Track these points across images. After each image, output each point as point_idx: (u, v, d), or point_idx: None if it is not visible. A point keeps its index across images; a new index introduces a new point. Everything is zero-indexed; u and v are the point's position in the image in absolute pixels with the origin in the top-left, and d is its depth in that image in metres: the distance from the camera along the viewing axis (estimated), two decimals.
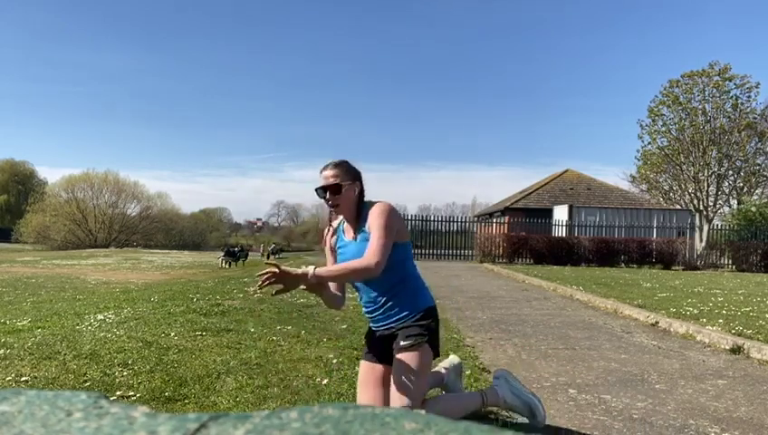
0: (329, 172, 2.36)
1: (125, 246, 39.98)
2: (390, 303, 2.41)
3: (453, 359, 3.14)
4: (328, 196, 2.34)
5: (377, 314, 2.46)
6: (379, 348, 2.50)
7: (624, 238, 20.56)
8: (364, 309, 2.54)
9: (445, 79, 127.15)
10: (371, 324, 2.55)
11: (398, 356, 2.35)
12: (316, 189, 2.38)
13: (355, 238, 2.40)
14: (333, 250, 2.54)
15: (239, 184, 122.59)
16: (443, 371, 2.95)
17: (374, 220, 2.29)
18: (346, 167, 2.40)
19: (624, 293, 9.05)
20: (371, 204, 2.38)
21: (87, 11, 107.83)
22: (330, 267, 2.30)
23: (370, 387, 2.48)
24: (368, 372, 2.52)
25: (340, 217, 2.51)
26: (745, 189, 28.13)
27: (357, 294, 2.56)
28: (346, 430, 0.37)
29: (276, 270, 2.15)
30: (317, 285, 2.26)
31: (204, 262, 20.56)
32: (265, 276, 2.16)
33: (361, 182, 2.42)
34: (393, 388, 2.33)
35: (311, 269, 2.19)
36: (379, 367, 2.49)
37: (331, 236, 2.55)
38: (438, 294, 7.77)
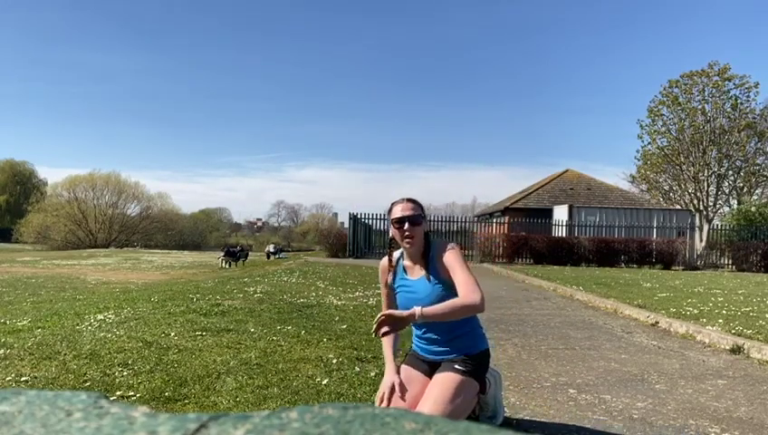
0: (408, 204, 2.41)
1: (125, 247, 39.94)
2: (451, 343, 2.43)
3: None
4: (407, 227, 2.36)
5: (433, 347, 2.47)
6: (426, 362, 2.51)
7: (624, 238, 20.55)
8: (419, 341, 2.54)
9: (445, 79, 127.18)
10: (422, 352, 2.54)
11: (447, 373, 2.35)
12: (393, 220, 2.41)
13: (427, 278, 2.41)
14: (390, 287, 2.56)
15: (239, 184, 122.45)
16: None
17: (452, 260, 2.33)
18: (419, 203, 2.47)
19: (624, 293, 9.05)
20: (437, 241, 2.45)
21: (87, 11, 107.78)
22: (435, 307, 2.24)
23: (411, 388, 2.42)
24: (408, 375, 2.47)
25: (396, 253, 2.56)
26: (745, 189, 28.13)
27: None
28: (346, 430, 0.37)
29: (385, 317, 2.19)
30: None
31: (204, 262, 20.56)
32: (379, 323, 2.19)
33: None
34: (429, 402, 2.28)
35: (417, 310, 2.20)
36: (420, 375, 2.47)
37: (388, 273, 2.56)
38: None
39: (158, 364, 3.72)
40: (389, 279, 2.55)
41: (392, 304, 2.58)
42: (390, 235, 2.49)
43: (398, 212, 2.39)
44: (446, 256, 2.35)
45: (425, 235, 2.45)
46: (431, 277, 2.40)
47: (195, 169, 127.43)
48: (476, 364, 2.43)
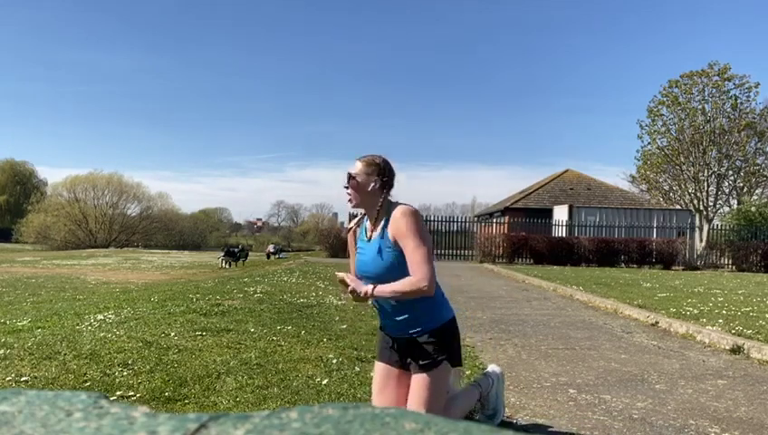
0: (356, 164, 2.38)
1: (125, 247, 39.94)
2: (406, 315, 2.32)
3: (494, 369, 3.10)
4: (344, 184, 2.36)
5: (391, 323, 2.41)
6: (395, 350, 2.46)
7: (624, 238, 20.56)
8: (380, 315, 2.50)
9: (445, 79, 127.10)
10: (385, 328, 2.50)
11: (415, 375, 2.35)
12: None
13: (371, 239, 2.37)
14: (355, 247, 2.53)
15: (239, 184, 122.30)
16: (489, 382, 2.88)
17: (402, 228, 2.24)
18: (375, 161, 2.38)
19: (624, 293, 9.05)
20: (395, 205, 2.34)
21: (87, 11, 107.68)
22: (382, 288, 2.25)
23: (388, 391, 2.43)
24: (384, 375, 2.47)
25: (358, 215, 2.53)
26: (745, 189, 28.11)
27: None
28: (346, 430, 0.37)
29: (347, 280, 2.26)
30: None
31: (204, 262, 20.55)
32: (343, 278, 2.29)
33: (386, 179, 2.37)
34: (410, 406, 2.31)
35: (369, 288, 2.23)
36: (395, 370, 2.45)
37: (354, 231, 2.54)
38: None
39: (158, 364, 3.72)
40: (356, 238, 2.53)
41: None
42: None
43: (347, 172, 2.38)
44: (397, 225, 2.26)
45: (381, 193, 2.36)
46: (376, 241, 2.34)
47: (195, 170, 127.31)
48: (438, 345, 2.33)
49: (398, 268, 2.26)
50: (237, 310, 6.05)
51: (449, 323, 2.38)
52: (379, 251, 2.31)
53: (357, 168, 2.36)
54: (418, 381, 2.33)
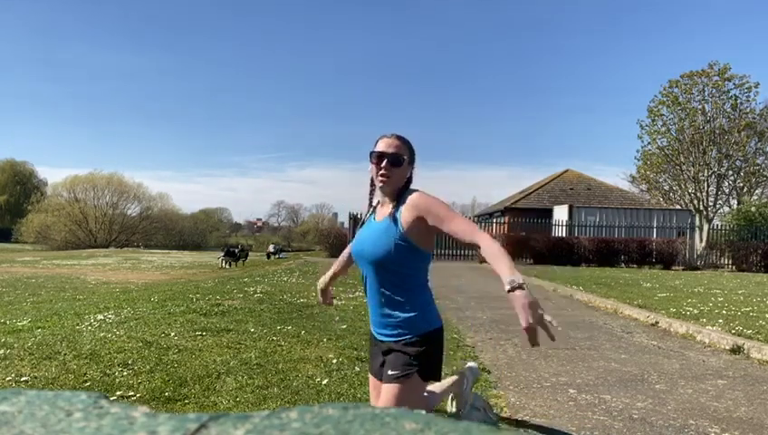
0: (393, 141, 2.15)
1: (125, 247, 39.95)
2: (391, 315, 2.19)
3: (471, 366, 3.09)
4: (384, 164, 2.12)
5: (376, 317, 2.30)
6: (381, 362, 2.36)
7: (624, 238, 20.57)
8: (370, 314, 2.40)
9: (445, 79, 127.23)
10: (373, 327, 2.42)
11: (384, 385, 2.19)
12: (372, 152, 2.16)
13: (378, 220, 2.22)
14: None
15: (239, 184, 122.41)
16: (464, 381, 2.86)
17: (435, 208, 2.08)
18: (410, 145, 2.20)
19: (624, 293, 9.05)
20: (410, 191, 2.19)
21: (88, 10, 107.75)
22: (497, 266, 1.92)
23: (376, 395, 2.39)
24: (375, 389, 2.40)
25: (374, 204, 2.34)
26: (745, 189, 28.12)
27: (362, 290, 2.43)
28: (346, 430, 0.37)
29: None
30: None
31: (204, 262, 20.54)
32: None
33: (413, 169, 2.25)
34: None
35: (512, 277, 1.82)
36: (381, 384, 2.44)
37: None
38: (439, 294, 7.77)
39: (158, 364, 3.72)
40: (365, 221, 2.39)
41: None
42: (370, 172, 2.23)
43: (380, 147, 2.15)
44: (424, 206, 2.09)
45: (407, 180, 2.21)
46: (388, 222, 2.15)
47: (195, 169, 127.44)
48: (413, 357, 2.13)
49: (393, 254, 2.12)
50: (237, 310, 6.05)
51: (431, 334, 2.19)
52: (383, 232, 2.16)
53: (399, 148, 2.16)
54: (385, 392, 2.15)
